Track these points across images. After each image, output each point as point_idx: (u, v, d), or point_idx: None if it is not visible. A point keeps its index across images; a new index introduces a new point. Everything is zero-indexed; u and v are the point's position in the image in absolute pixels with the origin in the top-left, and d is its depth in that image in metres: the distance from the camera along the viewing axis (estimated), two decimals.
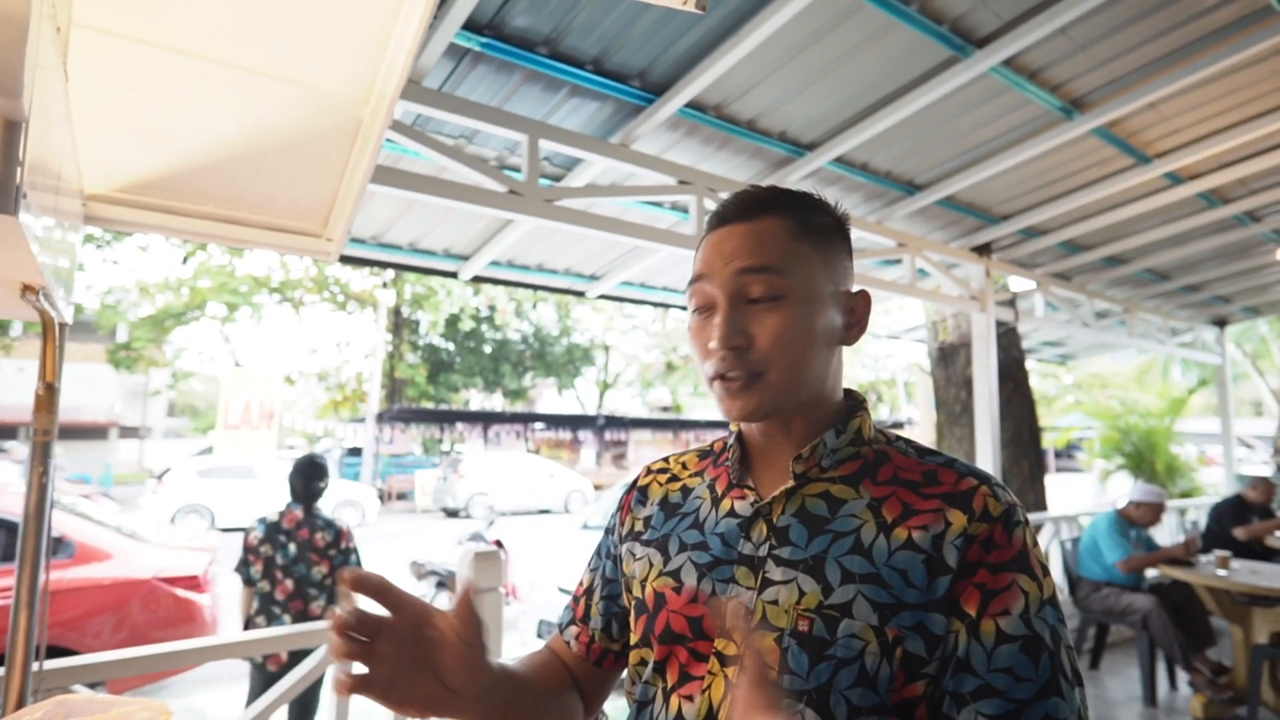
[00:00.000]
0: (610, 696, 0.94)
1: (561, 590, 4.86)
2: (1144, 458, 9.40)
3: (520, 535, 9.59)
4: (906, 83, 3.05)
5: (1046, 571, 0.69)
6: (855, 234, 4.23)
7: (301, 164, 1.57)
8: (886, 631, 0.65)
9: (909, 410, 27.01)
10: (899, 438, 0.80)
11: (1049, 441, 12.71)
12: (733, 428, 0.85)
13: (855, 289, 0.80)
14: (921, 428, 7.29)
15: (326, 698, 2.54)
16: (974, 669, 0.65)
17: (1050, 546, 5.34)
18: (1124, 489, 4.84)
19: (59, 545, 4.21)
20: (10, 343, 18.33)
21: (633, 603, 0.82)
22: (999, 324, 5.46)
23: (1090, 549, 4.38)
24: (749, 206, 0.76)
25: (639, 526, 0.87)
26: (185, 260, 17.72)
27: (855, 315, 0.79)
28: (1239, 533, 4.84)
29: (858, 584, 0.67)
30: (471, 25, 2.47)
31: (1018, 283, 5.62)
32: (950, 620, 0.66)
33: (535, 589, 5.12)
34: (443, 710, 0.67)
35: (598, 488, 17.44)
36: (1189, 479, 9.44)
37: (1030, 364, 8.71)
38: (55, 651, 3.92)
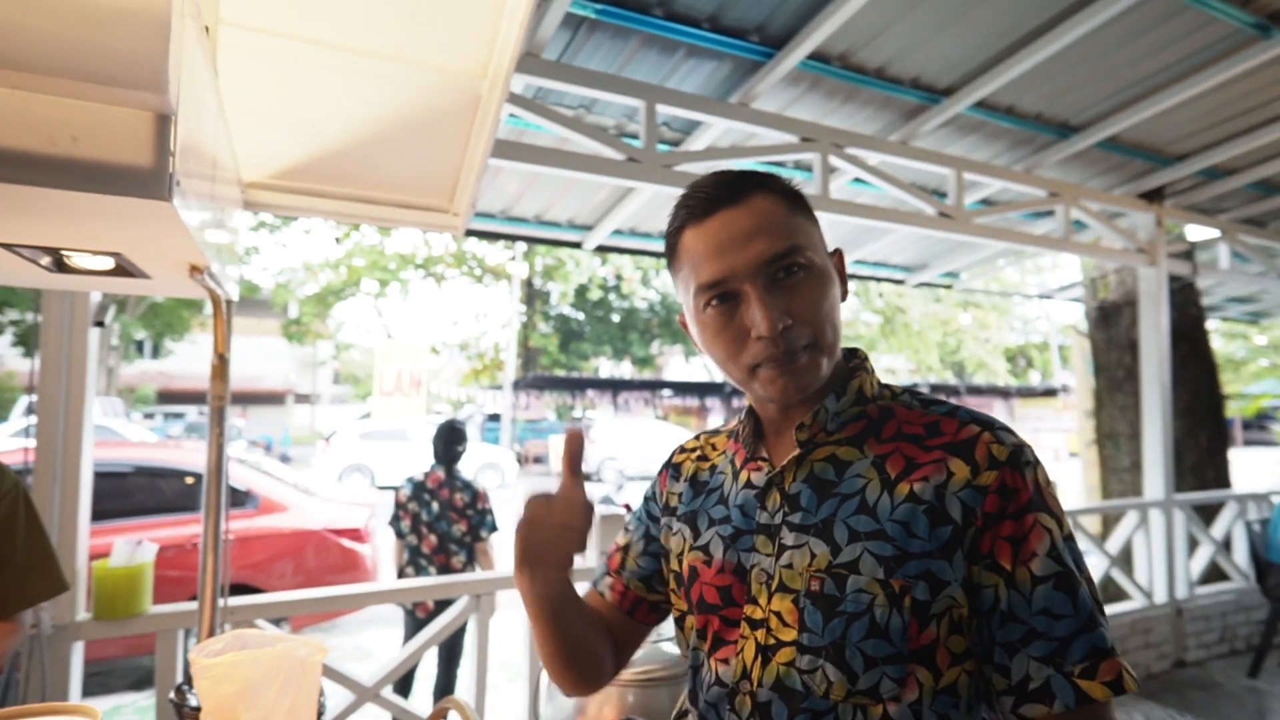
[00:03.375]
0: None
1: None
2: None
3: None
4: (1061, 10, 2.73)
5: (1062, 510, 0.72)
6: (998, 185, 3.90)
7: (428, 142, 1.65)
8: (892, 583, 0.69)
9: (1063, 376, 24.90)
10: (905, 390, 0.82)
11: (1234, 411, 11.30)
12: (746, 401, 0.88)
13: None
14: (1077, 394, 6.68)
15: (470, 643, 2.74)
16: (1018, 617, 0.68)
17: (1234, 528, 4.79)
18: None
19: (246, 498, 4.78)
20: (205, 320, 20.83)
21: (673, 576, 0.88)
22: (1172, 279, 4.87)
23: None
24: (731, 190, 0.76)
25: (674, 502, 0.93)
26: (338, 241, 19.29)
27: (842, 274, 0.81)
28: None
29: (864, 542, 0.71)
30: None
31: (1196, 231, 4.98)
32: (983, 573, 0.69)
33: None
34: (538, 557, 0.80)
35: None
36: None
37: (1212, 323, 7.74)
38: (248, 589, 4.50)
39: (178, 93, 0.67)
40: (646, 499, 1.00)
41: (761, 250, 0.73)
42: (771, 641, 0.73)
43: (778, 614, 0.73)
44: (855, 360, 0.84)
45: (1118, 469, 5.48)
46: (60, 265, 1.02)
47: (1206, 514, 4.78)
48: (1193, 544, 4.58)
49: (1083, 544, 4.05)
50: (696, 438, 0.99)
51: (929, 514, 0.70)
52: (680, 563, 0.86)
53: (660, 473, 0.99)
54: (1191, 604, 4.39)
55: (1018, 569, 0.68)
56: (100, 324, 1.96)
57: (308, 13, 1.23)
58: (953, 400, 1.00)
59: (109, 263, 1.00)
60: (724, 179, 0.78)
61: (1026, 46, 2.90)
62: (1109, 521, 5.26)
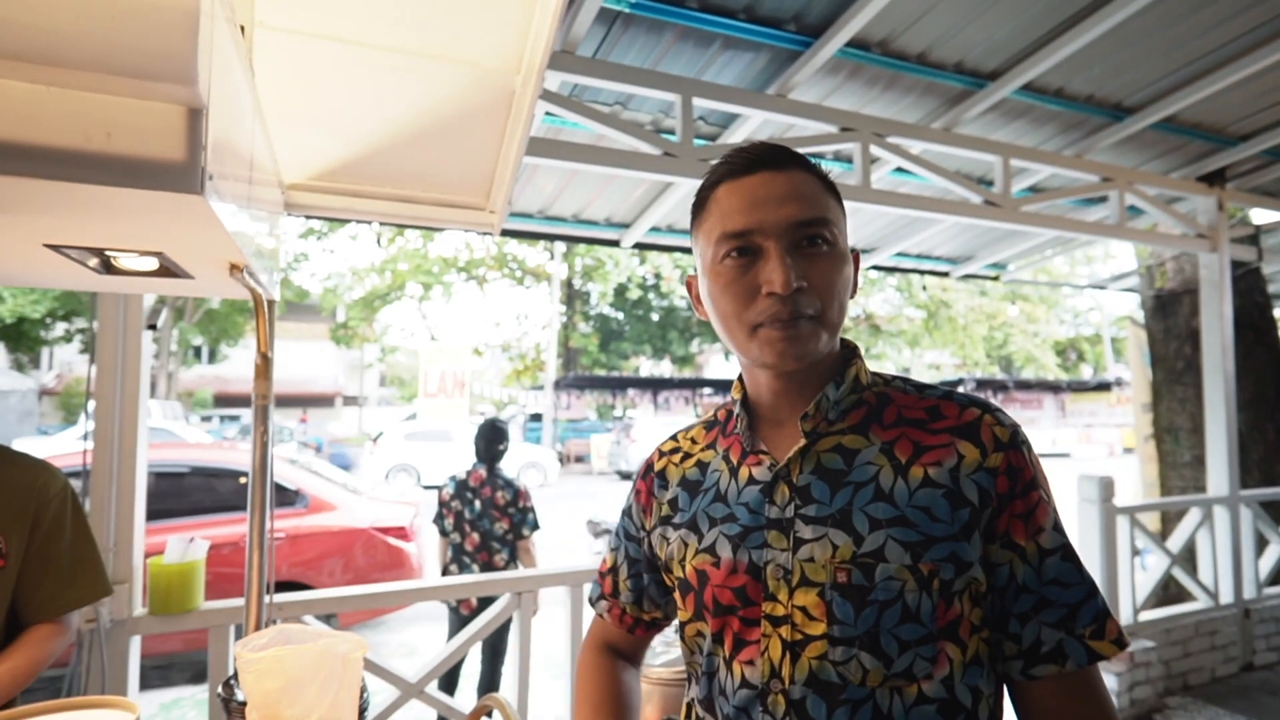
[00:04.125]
0: None
1: None
2: None
3: None
4: None
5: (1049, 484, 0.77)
6: (1047, 171, 3.77)
7: (463, 140, 1.65)
8: (921, 568, 0.69)
9: (1116, 369, 24.06)
10: (895, 377, 0.84)
11: None
12: (735, 394, 0.87)
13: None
14: (1133, 387, 6.43)
15: (514, 640, 2.75)
16: (1030, 588, 0.72)
17: None
18: None
19: (296, 497, 4.89)
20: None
21: (676, 582, 0.85)
22: (1236, 264, 4.65)
23: None
24: (775, 156, 0.78)
25: (666, 510, 0.89)
26: (380, 243, 19.70)
27: (856, 272, 0.82)
28: None
29: (886, 529, 0.71)
30: None
31: (1262, 215, 4.75)
32: (999, 551, 0.73)
33: None
34: None
35: None
36: None
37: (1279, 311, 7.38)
38: (299, 587, 4.60)
39: (208, 86, 0.67)
40: (624, 514, 0.98)
41: (793, 213, 0.75)
42: (799, 637, 0.72)
43: (802, 609, 0.72)
44: (847, 349, 0.85)
45: (1178, 464, 5.26)
46: (108, 266, 1.04)
47: (1276, 511, 4.55)
48: (1261, 542, 4.37)
49: (1143, 542, 3.90)
50: (673, 438, 0.96)
51: (948, 497, 0.72)
52: (684, 569, 0.82)
53: (640, 483, 0.96)
54: (1260, 605, 4.18)
55: (1028, 544, 0.72)
56: (153, 327, 2.02)
57: (342, 13, 1.23)
58: (1000, 396, 0.99)
59: (153, 263, 1.01)
60: (770, 146, 0.79)
61: (1077, 25, 2.79)
62: (1168, 519, 5.05)
